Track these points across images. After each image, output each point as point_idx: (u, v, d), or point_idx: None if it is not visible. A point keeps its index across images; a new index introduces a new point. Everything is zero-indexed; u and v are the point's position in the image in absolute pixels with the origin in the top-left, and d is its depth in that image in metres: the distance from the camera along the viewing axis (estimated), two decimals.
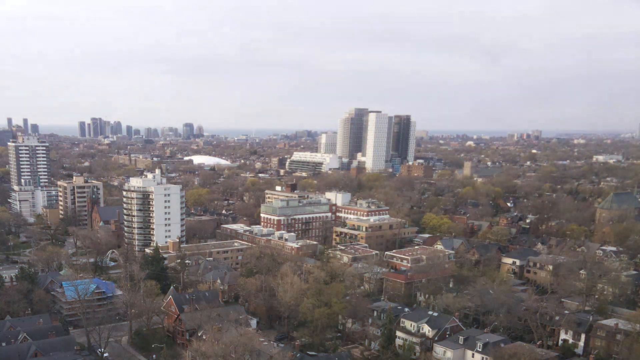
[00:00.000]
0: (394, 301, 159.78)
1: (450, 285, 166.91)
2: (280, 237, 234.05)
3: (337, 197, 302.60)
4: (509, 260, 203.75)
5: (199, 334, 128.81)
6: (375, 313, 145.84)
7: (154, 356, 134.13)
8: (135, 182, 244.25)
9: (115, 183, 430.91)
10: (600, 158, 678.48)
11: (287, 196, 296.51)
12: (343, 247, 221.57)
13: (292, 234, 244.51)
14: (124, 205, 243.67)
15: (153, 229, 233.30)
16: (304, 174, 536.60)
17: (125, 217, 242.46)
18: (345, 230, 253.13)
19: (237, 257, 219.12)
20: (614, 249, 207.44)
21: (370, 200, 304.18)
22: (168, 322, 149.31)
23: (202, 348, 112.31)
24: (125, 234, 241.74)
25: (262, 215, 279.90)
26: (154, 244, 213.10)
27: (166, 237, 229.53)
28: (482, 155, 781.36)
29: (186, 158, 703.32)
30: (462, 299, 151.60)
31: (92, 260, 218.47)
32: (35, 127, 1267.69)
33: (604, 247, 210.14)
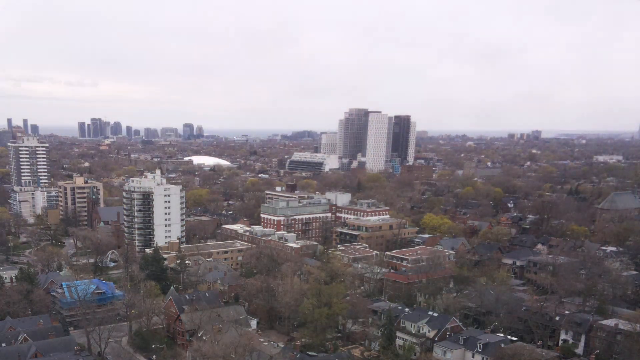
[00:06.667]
0: (394, 301, 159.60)
1: (451, 286, 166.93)
2: (281, 238, 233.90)
3: (337, 198, 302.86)
4: (509, 261, 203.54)
5: (199, 335, 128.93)
6: (375, 313, 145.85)
7: (154, 357, 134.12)
8: (135, 182, 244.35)
9: (116, 183, 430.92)
10: (600, 158, 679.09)
11: (287, 196, 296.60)
12: (343, 247, 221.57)
13: (292, 234, 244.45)
14: (124, 205, 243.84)
15: (153, 229, 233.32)
16: (304, 174, 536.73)
17: (125, 217, 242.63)
18: (345, 230, 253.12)
19: (237, 258, 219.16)
20: (614, 249, 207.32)
21: (370, 200, 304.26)
22: (168, 322, 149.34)
23: (202, 348, 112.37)
24: (126, 234, 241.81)
25: (262, 215, 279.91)
26: (154, 245, 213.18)
27: (166, 237, 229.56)
28: (482, 155, 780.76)
29: (186, 158, 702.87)
30: (462, 299, 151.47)
31: (92, 260, 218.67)
32: (35, 128, 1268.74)
33: (604, 247, 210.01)
